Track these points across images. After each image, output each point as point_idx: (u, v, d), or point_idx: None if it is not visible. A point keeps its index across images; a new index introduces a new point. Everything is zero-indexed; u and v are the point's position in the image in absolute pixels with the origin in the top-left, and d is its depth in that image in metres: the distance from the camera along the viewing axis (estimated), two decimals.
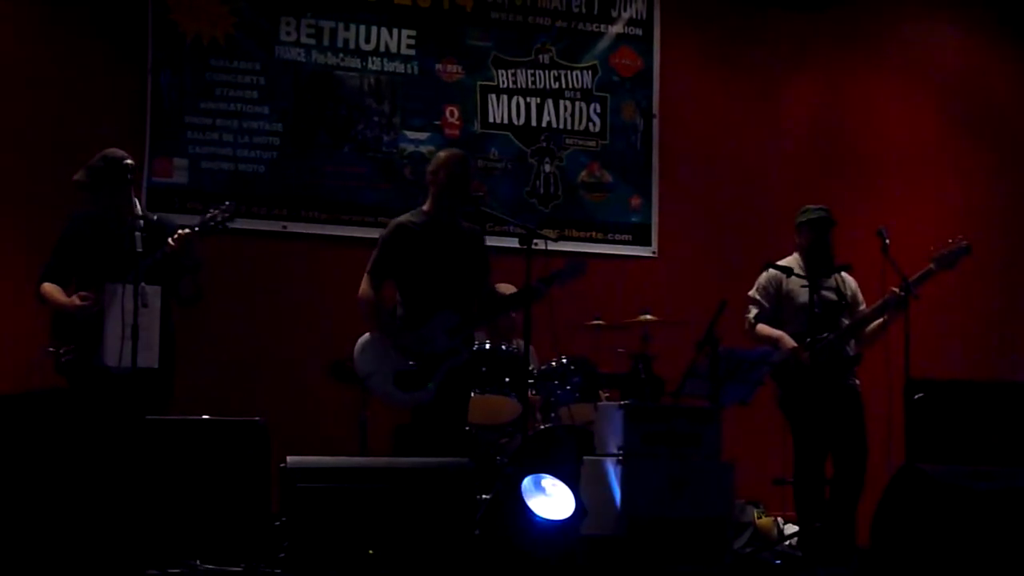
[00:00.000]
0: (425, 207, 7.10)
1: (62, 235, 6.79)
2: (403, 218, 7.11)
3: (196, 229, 6.58)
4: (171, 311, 6.81)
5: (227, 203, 6.75)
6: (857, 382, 7.70)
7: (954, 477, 6.49)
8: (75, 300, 6.54)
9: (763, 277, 7.78)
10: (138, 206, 6.75)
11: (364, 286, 6.98)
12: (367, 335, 6.95)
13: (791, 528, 8.04)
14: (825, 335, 7.51)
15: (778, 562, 7.04)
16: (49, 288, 6.70)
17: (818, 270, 7.62)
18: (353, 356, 6.93)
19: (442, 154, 7.24)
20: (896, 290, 7.35)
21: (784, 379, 7.56)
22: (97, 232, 6.66)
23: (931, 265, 7.51)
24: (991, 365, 9.61)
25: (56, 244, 6.80)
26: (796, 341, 7.46)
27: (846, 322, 7.64)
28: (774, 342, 7.54)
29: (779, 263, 7.67)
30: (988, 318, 10.15)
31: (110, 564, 5.28)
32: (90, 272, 6.61)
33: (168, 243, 6.51)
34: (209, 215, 6.68)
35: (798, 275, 7.56)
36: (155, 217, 6.85)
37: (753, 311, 7.74)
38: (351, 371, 7.01)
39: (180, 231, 6.55)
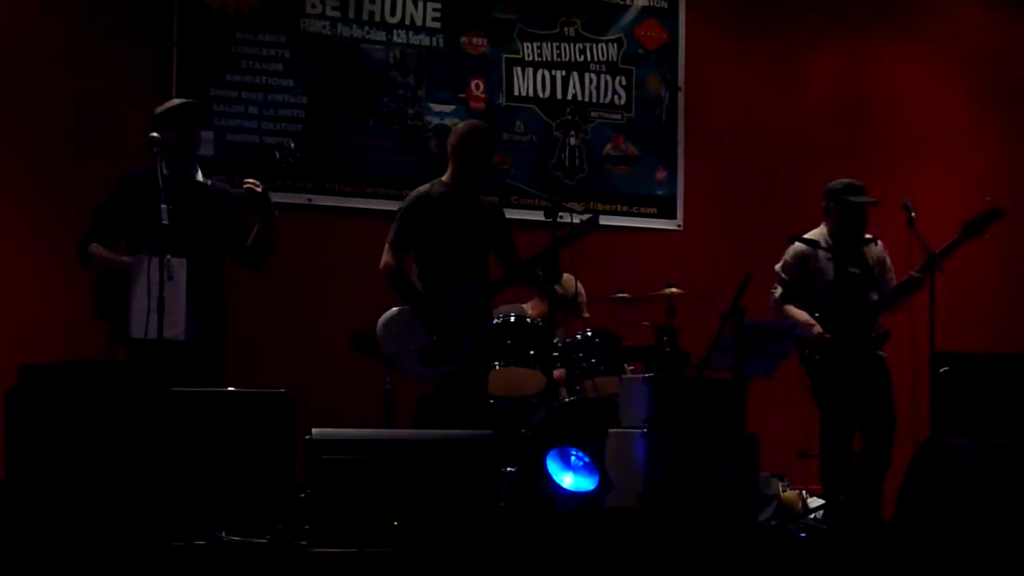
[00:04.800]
0: (444, 177, 7.11)
1: (109, 199, 6.73)
2: (422, 189, 7.11)
3: (264, 172, 6.65)
4: (222, 279, 6.80)
5: (286, 147, 6.82)
6: (883, 354, 7.69)
7: (979, 451, 6.47)
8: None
9: (789, 252, 7.74)
10: (192, 175, 6.75)
11: (386, 257, 6.99)
12: (387, 314, 6.95)
13: (816, 501, 8.02)
14: (847, 315, 7.49)
15: (803, 535, 7.02)
16: (97, 248, 6.66)
17: (846, 246, 7.60)
18: (376, 332, 6.94)
19: (462, 126, 7.25)
20: (914, 274, 7.33)
21: (811, 358, 7.56)
22: (144, 197, 6.55)
23: (961, 232, 7.47)
24: (1018, 338, 9.56)
25: (99, 209, 6.74)
26: (825, 317, 7.45)
27: (875, 297, 7.61)
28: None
29: (806, 236, 7.65)
30: (1015, 290, 10.10)
31: (136, 536, 5.30)
32: (138, 237, 6.55)
33: (235, 191, 6.60)
34: (278, 157, 6.73)
35: (824, 249, 7.54)
36: (209, 182, 6.82)
37: (779, 289, 7.73)
38: (375, 342, 7.02)
39: (247, 181, 6.58)
